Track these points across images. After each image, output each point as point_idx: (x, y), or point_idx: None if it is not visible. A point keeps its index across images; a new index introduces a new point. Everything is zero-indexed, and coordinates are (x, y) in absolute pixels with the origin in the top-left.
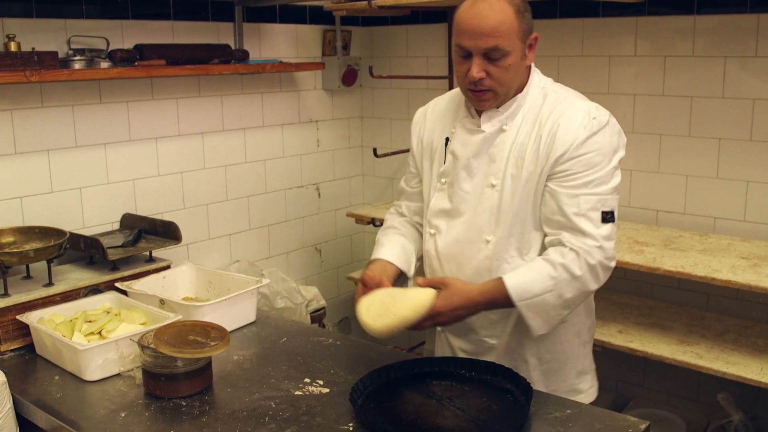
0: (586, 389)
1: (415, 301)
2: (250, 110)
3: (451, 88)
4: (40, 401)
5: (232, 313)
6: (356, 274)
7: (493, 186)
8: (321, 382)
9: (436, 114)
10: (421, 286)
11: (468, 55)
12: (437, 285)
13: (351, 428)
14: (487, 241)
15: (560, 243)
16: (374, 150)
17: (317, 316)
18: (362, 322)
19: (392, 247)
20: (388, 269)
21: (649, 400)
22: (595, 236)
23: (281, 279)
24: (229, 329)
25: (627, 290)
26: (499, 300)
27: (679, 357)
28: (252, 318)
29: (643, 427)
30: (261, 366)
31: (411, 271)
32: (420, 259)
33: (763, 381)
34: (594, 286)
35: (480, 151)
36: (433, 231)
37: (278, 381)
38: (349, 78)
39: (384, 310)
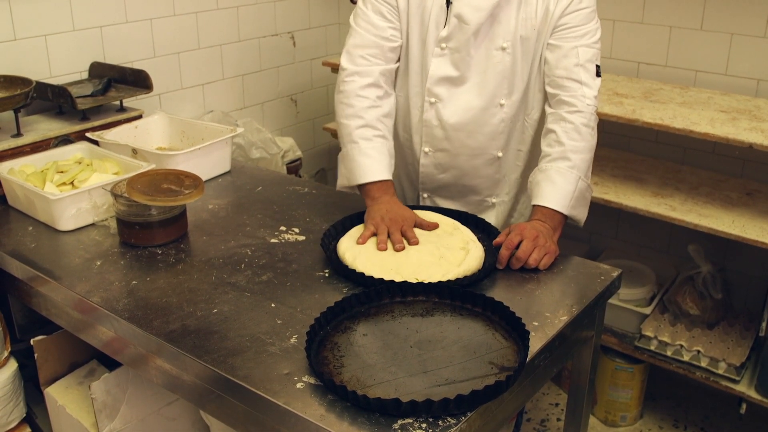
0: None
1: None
2: None
3: None
4: (15, 252)
5: (207, 162)
6: (332, 125)
7: (503, 49)
8: (297, 230)
9: None
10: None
11: None
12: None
13: (326, 274)
14: (501, 105)
15: (561, 119)
16: None
17: (293, 167)
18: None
19: (386, 164)
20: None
21: (620, 251)
22: (592, 87)
23: (256, 129)
24: (203, 179)
25: (604, 143)
26: (556, 218)
27: (653, 209)
28: (227, 167)
29: (615, 274)
30: (236, 214)
31: None
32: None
33: (733, 233)
34: (595, 142)
35: (491, 13)
36: (433, 100)
37: (254, 229)
38: None
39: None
